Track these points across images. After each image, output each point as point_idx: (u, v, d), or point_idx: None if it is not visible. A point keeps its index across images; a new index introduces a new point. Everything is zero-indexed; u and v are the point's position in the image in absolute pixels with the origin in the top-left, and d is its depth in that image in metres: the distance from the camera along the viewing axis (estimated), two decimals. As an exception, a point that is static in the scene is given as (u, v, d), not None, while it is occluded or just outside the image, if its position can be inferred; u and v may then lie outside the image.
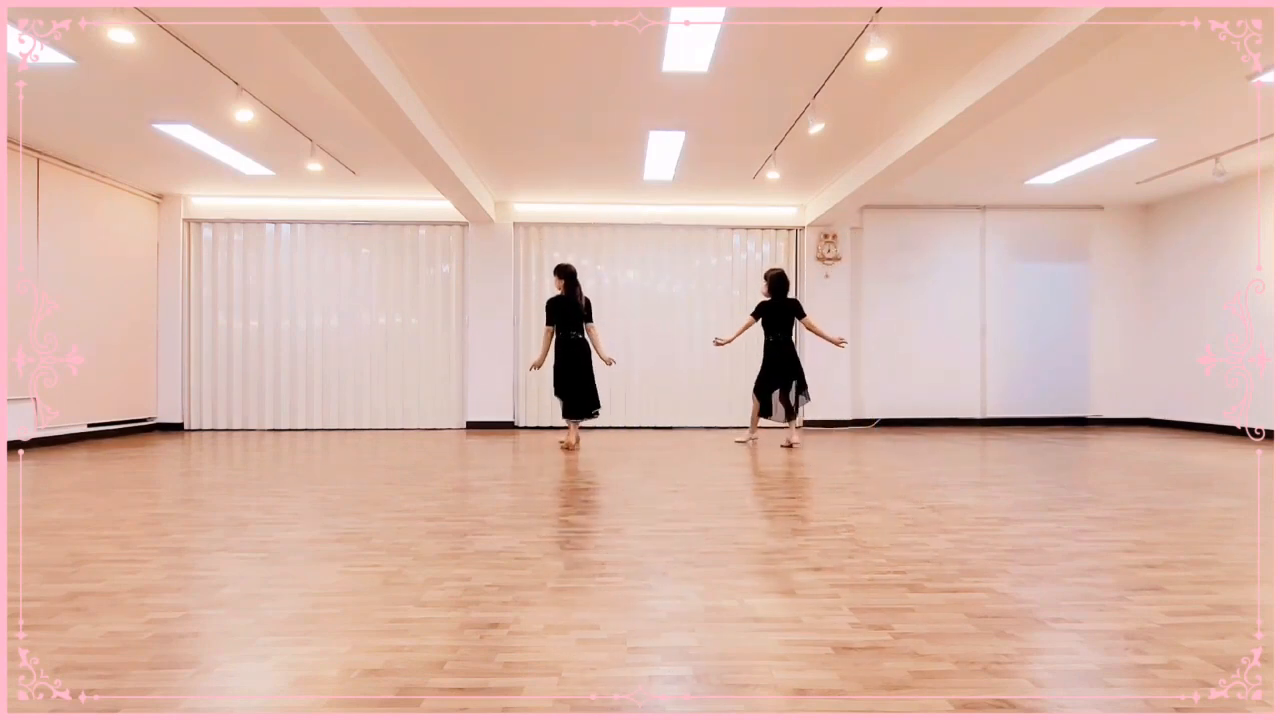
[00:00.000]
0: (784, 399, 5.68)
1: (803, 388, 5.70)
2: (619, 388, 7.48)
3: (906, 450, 5.61)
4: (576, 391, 5.61)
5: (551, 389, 5.78)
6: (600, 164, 6.08)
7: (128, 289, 6.72)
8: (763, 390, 5.75)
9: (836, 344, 5.72)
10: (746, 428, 6.33)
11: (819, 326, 5.81)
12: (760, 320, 5.77)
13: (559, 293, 5.64)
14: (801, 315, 5.69)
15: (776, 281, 5.70)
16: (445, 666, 1.64)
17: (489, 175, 6.43)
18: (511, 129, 5.19)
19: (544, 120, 5.00)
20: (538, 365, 5.75)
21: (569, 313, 5.60)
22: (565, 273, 5.61)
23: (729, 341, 5.90)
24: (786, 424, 5.78)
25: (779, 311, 5.70)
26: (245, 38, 3.72)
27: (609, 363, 5.80)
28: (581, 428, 7.10)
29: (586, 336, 5.70)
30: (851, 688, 1.54)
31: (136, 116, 4.90)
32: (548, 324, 5.63)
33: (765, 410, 5.80)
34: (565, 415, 5.69)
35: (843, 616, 1.95)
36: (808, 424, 7.44)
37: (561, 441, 5.85)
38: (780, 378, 5.66)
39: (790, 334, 5.74)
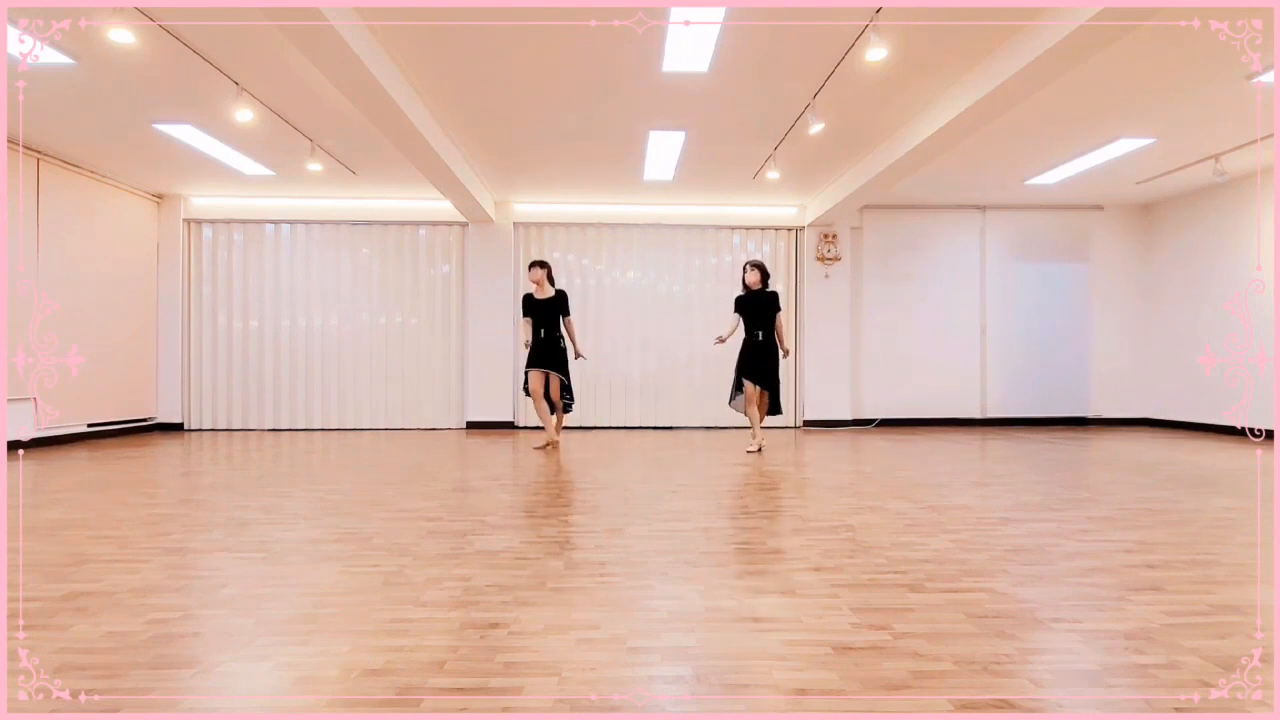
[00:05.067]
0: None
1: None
2: (619, 387, 7.48)
3: (906, 450, 5.61)
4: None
5: (562, 390, 5.65)
6: (600, 164, 6.07)
7: (128, 289, 6.71)
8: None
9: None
10: (748, 429, 6.32)
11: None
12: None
13: (544, 286, 5.45)
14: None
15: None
16: (445, 666, 1.64)
17: (489, 175, 6.43)
18: (511, 129, 5.18)
19: (544, 120, 4.99)
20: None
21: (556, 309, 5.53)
22: (546, 265, 5.49)
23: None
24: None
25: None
26: (245, 38, 3.72)
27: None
28: (584, 427, 7.12)
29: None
30: (851, 688, 1.54)
31: (136, 116, 4.90)
32: (568, 317, 5.53)
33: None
34: (569, 409, 5.87)
35: (843, 616, 1.95)
36: (807, 424, 7.45)
37: (550, 443, 5.68)
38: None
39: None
